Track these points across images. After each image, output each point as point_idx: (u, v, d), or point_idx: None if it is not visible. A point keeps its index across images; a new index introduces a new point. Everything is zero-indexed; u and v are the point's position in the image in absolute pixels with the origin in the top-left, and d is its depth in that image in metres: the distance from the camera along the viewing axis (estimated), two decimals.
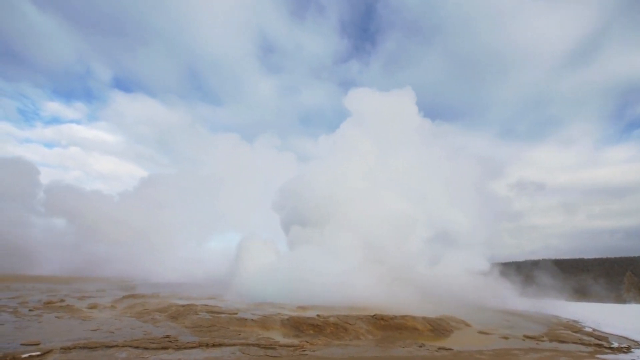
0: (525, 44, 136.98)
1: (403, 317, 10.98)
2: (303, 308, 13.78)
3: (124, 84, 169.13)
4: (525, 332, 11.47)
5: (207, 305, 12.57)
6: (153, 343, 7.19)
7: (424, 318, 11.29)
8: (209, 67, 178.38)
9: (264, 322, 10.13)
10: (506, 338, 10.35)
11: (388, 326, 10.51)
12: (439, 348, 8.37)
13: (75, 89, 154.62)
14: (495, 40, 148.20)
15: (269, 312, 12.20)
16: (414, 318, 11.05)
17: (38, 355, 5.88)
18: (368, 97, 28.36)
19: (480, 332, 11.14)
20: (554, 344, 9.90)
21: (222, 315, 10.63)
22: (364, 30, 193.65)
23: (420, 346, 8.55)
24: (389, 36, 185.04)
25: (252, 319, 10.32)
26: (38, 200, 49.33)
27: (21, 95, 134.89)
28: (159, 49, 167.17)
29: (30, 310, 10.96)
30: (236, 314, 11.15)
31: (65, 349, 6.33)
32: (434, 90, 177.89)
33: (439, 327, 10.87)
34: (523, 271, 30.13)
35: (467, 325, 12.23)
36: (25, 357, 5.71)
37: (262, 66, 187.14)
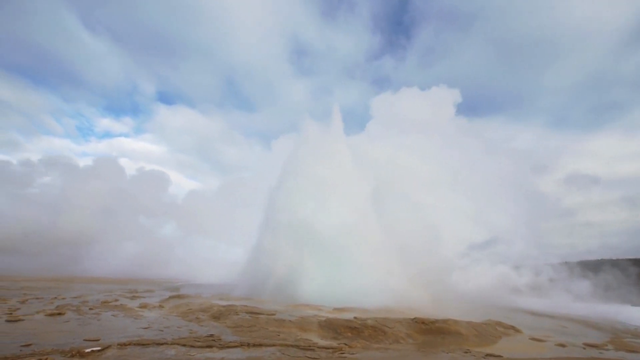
0: (580, 22, 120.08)
1: (445, 320, 10.49)
2: (339, 310, 13.71)
3: (166, 97, 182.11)
4: (585, 340, 10.44)
5: (246, 306, 12.95)
6: (198, 341, 7.52)
7: (468, 322, 10.69)
8: (244, 74, 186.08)
9: (302, 324, 10.19)
10: (563, 346, 9.48)
11: (429, 330, 10.10)
12: (487, 355, 7.86)
13: (124, 104, 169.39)
14: (544, 21, 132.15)
15: (306, 313, 12.28)
16: (457, 322, 10.51)
17: (98, 350, 6.39)
18: (397, 100, 27.78)
19: (533, 339, 10.32)
20: (621, 354, 8.89)
21: (261, 316, 10.87)
22: (397, 24, 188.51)
23: (466, 352, 8.09)
24: (424, 28, 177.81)
25: (290, 320, 10.44)
26: (168, 206, 55.40)
27: (79, 114, 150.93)
28: (197, 61, 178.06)
29: (90, 308, 11.99)
30: (274, 315, 11.35)
31: (122, 345, 6.82)
32: (475, 82, 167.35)
33: (485, 332, 10.24)
34: (578, 273, 27.48)
35: (517, 330, 11.39)
36: (88, 352, 6.23)
37: (295, 69, 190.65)
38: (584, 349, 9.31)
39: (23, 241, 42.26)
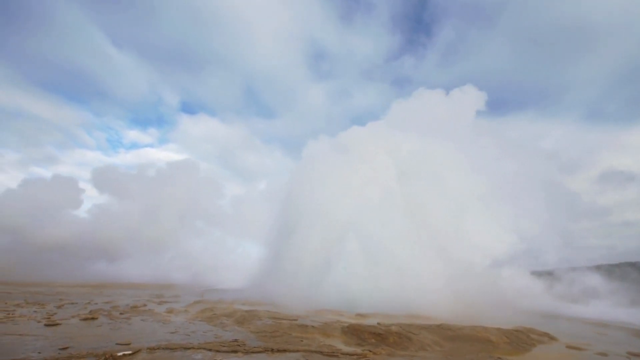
0: (615, 9, 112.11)
1: (473, 327, 10.10)
2: (362, 315, 13.52)
3: (188, 107, 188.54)
4: (628, 348, 9.71)
5: (269, 311, 13.04)
6: (224, 346, 7.63)
7: (497, 329, 10.24)
8: (263, 81, 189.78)
9: (325, 329, 10.12)
10: (604, 354, 8.87)
11: (456, 337, 9.74)
12: None
13: (149, 116, 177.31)
14: (575, 9, 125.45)
15: (329, 319, 12.19)
16: (486, 329, 10.09)
17: (130, 354, 6.61)
18: (414, 104, 27.36)
19: (570, 347, 9.72)
20: None
21: (284, 321, 10.89)
22: (417, 22, 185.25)
23: None
24: (445, 24, 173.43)
25: (313, 326, 10.39)
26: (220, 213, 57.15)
27: (108, 127, 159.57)
28: (217, 70, 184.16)
29: (120, 313, 12.46)
30: (296, 320, 11.34)
31: (151, 349, 7.03)
32: (501, 77, 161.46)
33: (517, 340, 9.76)
34: (617, 275, 25.73)
35: (552, 338, 10.78)
36: (120, 355, 6.46)
37: (313, 74, 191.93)
38: (628, 358, 8.67)
39: (121, 245, 44.52)
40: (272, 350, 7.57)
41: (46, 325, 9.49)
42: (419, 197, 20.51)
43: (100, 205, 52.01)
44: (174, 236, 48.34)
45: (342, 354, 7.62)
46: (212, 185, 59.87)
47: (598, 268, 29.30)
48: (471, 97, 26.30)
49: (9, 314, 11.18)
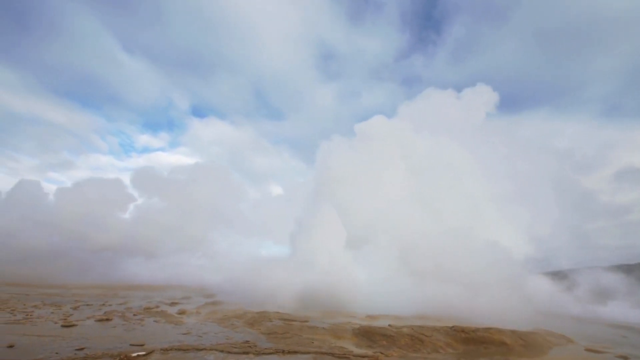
0: (630, 4, 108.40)
1: (487, 329, 9.89)
2: (372, 317, 13.41)
3: (198, 111, 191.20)
4: None
5: (278, 312, 13.05)
6: (235, 347, 7.67)
7: (512, 331, 10.01)
8: (271, 84, 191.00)
9: (335, 331, 10.08)
10: (625, 358, 8.58)
11: (470, 339, 9.56)
12: None
13: (160, 120, 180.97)
14: (589, 5, 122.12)
15: (339, 320, 12.13)
16: (500, 331, 9.88)
17: (143, 355, 6.70)
18: (423, 103, 27.17)
19: (588, 350, 9.43)
20: None
21: (294, 323, 10.89)
22: (427, 19, 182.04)
23: None
24: (456, 21, 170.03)
25: (323, 327, 10.36)
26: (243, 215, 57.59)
27: (121, 132, 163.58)
28: (227, 74, 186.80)
29: (134, 315, 12.65)
30: (307, 321, 11.33)
31: (164, 350, 7.11)
32: (513, 75, 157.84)
33: (533, 342, 9.52)
34: (636, 276, 24.88)
35: (569, 340, 10.49)
36: (134, 356, 6.56)
37: (321, 75, 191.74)
38: None
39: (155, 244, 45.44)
40: (283, 351, 7.58)
41: (63, 326, 9.71)
42: (435, 198, 20.34)
43: (140, 207, 52.90)
44: (201, 238, 48.71)
45: (354, 355, 7.57)
46: (237, 188, 60.27)
47: (616, 268, 28.40)
48: (483, 96, 25.92)
49: (27, 315, 11.49)
